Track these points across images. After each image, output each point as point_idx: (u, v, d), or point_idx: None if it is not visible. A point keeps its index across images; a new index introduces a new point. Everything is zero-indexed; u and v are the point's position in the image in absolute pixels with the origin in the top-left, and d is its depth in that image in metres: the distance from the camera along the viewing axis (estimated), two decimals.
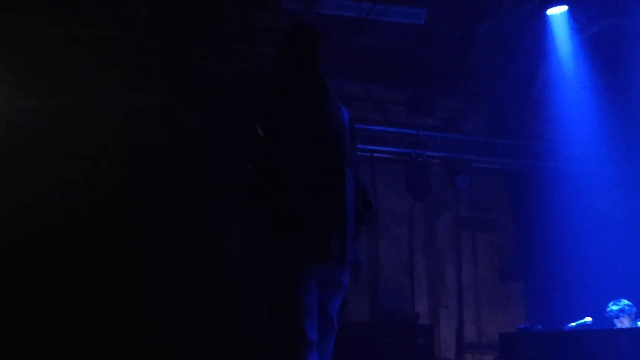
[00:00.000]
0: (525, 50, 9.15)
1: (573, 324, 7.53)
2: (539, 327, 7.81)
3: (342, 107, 3.69)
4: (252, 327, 7.76)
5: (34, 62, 7.72)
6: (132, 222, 7.87)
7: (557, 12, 8.35)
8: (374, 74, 9.67)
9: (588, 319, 7.52)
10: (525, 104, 10.22)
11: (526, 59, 9.39)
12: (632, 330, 7.29)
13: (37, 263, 7.49)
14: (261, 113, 3.44)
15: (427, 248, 10.65)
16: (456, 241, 10.78)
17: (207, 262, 8.12)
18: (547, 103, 9.69)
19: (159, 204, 7.96)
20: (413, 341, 8.81)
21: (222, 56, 8.47)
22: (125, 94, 7.91)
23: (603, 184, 9.67)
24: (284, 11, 8.10)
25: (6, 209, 7.48)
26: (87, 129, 7.85)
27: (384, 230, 10.23)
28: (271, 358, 3.35)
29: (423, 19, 8.50)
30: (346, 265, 3.50)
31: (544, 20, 8.52)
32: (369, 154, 9.60)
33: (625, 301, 7.57)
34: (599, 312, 7.65)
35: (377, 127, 9.71)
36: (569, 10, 8.27)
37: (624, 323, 7.51)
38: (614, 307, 7.54)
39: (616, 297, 7.67)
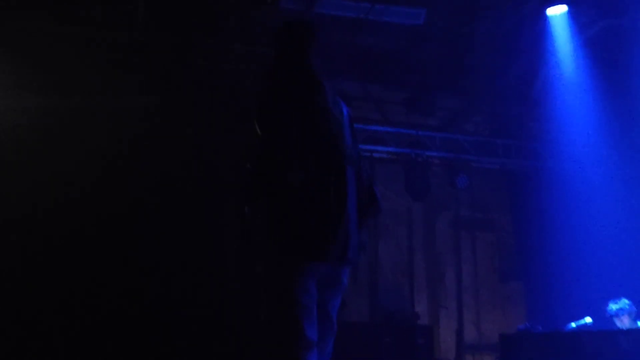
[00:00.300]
0: (524, 50, 9.14)
1: (573, 324, 7.54)
2: (539, 327, 7.80)
3: (341, 104, 3.68)
4: (252, 327, 7.74)
5: (31, 62, 7.70)
6: (131, 222, 7.86)
7: (556, 12, 8.35)
8: (374, 73, 9.66)
9: (588, 319, 7.52)
10: (524, 104, 10.21)
11: (526, 59, 9.38)
12: (632, 331, 7.29)
13: (40, 264, 7.49)
14: (259, 112, 3.43)
15: (427, 248, 10.64)
16: (456, 241, 10.77)
17: (206, 261, 8.12)
18: (547, 103, 9.68)
19: (158, 204, 7.95)
20: (413, 341, 8.79)
21: (221, 56, 8.47)
22: (124, 93, 7.90)
23: (603, 184, 9.66)
24: (283, 11, 8.09)
25: (10, 210, 7.47)
26: (86, 128, 7.84)
27: (383, 230, 10.22)
28: (271, 358, 3.34)
29: (422, 19, 8.48)
30: (347, 263, 3.48)
31: (543, 20, 8.51)
32: (368, 154, 9.58)
33: (625, 300, 7.59)
34: (599, 312, 7.66)
35: (376, 127, 9.70)
36: (568, 10, 8.26)
37: (624, 322, 7.52)
38: (614, 306, 7.57)
39: (616, 297, 7.68)
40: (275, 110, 3.39)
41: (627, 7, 8.30)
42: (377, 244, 10.22)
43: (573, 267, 9.11)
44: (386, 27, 8.65)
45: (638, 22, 8.45)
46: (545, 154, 10.24)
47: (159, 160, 8.03)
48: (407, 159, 9.79)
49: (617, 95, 9.18)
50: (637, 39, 8.59)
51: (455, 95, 10.16)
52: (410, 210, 10.46)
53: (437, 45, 9.13)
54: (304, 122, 3.39)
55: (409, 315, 9.88)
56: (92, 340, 7.40)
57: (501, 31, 8.81)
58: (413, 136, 9.83)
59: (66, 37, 7.89)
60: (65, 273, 7.54)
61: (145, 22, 8.03)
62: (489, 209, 10.85)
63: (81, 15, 7.86)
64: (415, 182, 9.70)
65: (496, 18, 8.60)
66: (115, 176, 7.84)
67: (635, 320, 7.58)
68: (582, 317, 7.56)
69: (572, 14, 8.37)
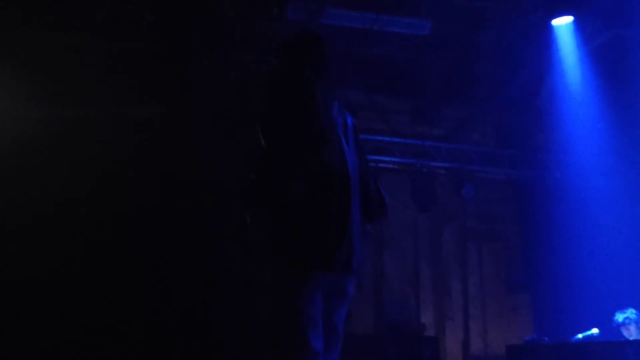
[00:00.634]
0: (530, 60, 9.14)
1: (580, 335, 7.50)
2: (546, 338, 7.77)
3: (346, 114, 3.68)
4: (256, 336, 7.72)
5: (36, 70, 7.73)
6: (133, 228, 7.88)
7: (562, 22, 8.33)
8: (379, 84, 9.67)
9: (595, 330, 7.49)
10: (530, 114, 10.20)
11: (531, 70, 9.37)
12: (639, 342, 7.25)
13: (45, 270, 7.51)
14: (263, 123, 3.44)
15: (433, 259, 10.61)
16: (462, 252, 10.74)
17: (210, 270, 8.12)
18: (553, 113, 9.66)
19: (160, 211, 7.97)
20: (418, 353, 8.76)
21: (227, 66, 8.48)
22: (128, 103, 7.92)
23: (609, 195, 9.62)
24: (288, 22, 8.11)
25: (16, 217, 7.49)
26: (89, 137, 7.87)
27: (389, 240, 10.20)
28: None
29: (427, 29, 8.49)
30: (352, 273, 3.47)
31: (549, 30, 8.50)
32: (374, 164, 9.55)
33: (632, 310, 7.57)
34: (606, 324, 7.62)
35: (381, 138, 9.69)
36: (574, 20, 8.25)
37: (631, 331, 7.50)
38: (621, 316, 7.57)
39: (623, 308, 7.65)
40: (278, 121, 3.39)
41: (633, 17, 8.29)
42: (382, 254, 10.19)
43: (580, 278, 9.07)
44: (391, 37, 8.66)
45: None
46: (551, 164, 10.22)
47: (163, 169, 8.05)
48: (413, 169, 9.77)
49: (623, 105, 9.16)
50: None
51: (461, 105, 10.16)
52: (416, 220, 10.43)
53: (442, 56, 9.14)
54: (307, 133, 3.39)
55: (414, 326, 9.85)
56: (96, 344, 7.43)
57: (506, 41, 8.81)
58: (419, 146, 9.82)
59: (70, 47, 7.92)
60: (69, 281, 7.57)
61: (150, 33, 8.05)
62: (495, 219, 10.82)
63: (86, 25, 7.87)
64: (421, 193, 9.68)
65: (501, 28, 8.61)
66: (118, 184, 7.87)
67: None
68: (589, 328, 7.53)
69: (578, 25, 8.36)
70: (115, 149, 7.94)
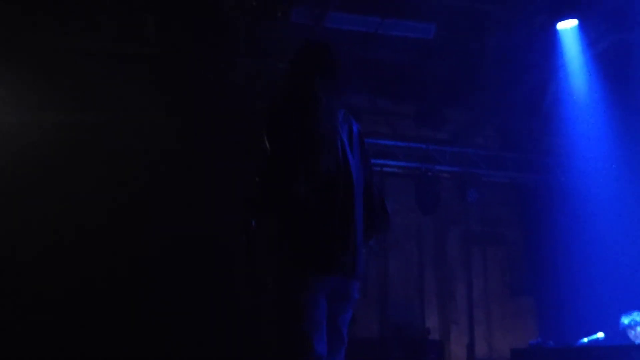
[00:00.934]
0: (535, 64, 9.13)
1: (585, 339, 7.49)
2: (551, 342, 7.75)
3: (351, 121, 3.71)
4: (260, 339, 7.73)
5: (39, 76, 7.75)
6: (142, 231, 7.91)
7: (567, 26, 8.32)
8: (383, 88, 9.67)
9: (600, 334, 7.48)
10: (535, 118, 10.20)
11: (536, 73, 9.37)
12: None
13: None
14: (269, 128, 3.47)
15: (437, 263, 10.60)
16: (466, 256, 10.73)
17: (213, 273, 8.14)
18: (557, 117, 9.65)
19: (168, 215, 7.99)
20: (423, 357, 8.77)
21: (232, 69, 8.49)
22: (132, 107, 7.93)
23: (613, 198, 9.60)
24: (293, 25, 8.12)
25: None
26: (95, 141, 7.89)
27: (393, 244, 10.19)
28: None
29: (432, 33, 8.49)
30: (355, 277, 3.49)
31: (553, 34, 8.48)
32: (378, 168, 9.56)
33: (637, 312, 7.57)
34: (611, 327, 7.61)
35: (386, 141, 9.70)
36: (579, 24, 8.24)
37: (637, 333, 7.49)
38: (626, 320, 7.57)
39: (629, 311, 7.65)
40: (284, 127, 3.43)
41: (637, 21, 8.28)
42: (387, 258, 10.19)
43: (585, 281, 9.05)
44: (396, 41, 8.66)
45: None
46: (555, 167, 10.21)
47: (169, 171, 8.06)
48: (417, 173, 9.78)
49: (628, 109, 9.15)
50: None
51: (465, 109, 10.16)
52: (420, 224, 10.43)
53: (446, 59, 9.13)
54: (311, 138, 3.42)
55: (419, 330, 9.84)
56: (100, 347, 7.47)
57: (511, 45, 8.80)
58: (423, 150, 9.82)
59: (73, 51, 7.94)
60: (84, 287, 7.61)
61: (154, 36, 8.07)
62: (499, 223, 10.81)
63: (89, 29, 7.90)
64: (425, 196, 9.68)
65: (506, 32, 8.60)
66: (124, 185, 7.88)
67: None
68: (595, 332, 7.51)
69: (583, 28, 8.35)
70: (118, 152, 7.96)
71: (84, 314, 7.62)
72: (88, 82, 7.90)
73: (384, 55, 9.08)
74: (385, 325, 9.93)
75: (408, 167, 9.85)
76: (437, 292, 10.48)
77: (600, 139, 9.44)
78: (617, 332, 7.59)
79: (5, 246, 7.45)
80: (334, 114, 3.59)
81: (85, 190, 7.76)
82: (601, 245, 9.10)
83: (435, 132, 10.05)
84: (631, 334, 7.54)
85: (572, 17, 8.13)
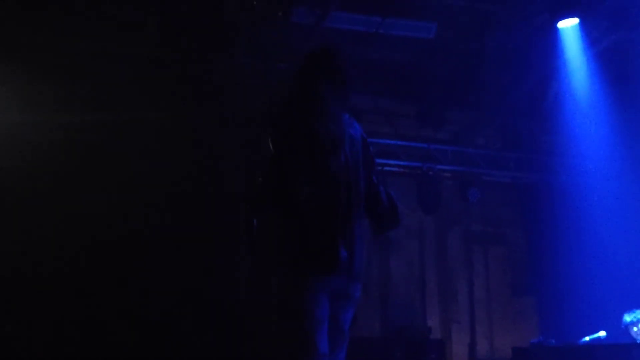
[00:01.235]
0: (536, 63, 9.14)
1: (587, 338, 7.49)
2: (553, 341, 7.75)
3: (356, 126, 3.76)
4: (261, 338, 7.74)
5: (39, 76, 7.77)
6: (142, 231, 7.92)
7: (568, 25, 8.31)
8: (384, 87, 9.67)
9: (602, 333, 7.49)
10: (536, 117, 10.20)
11: (537, 72, 9.37)
12: None
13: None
14: (273, 130, 3.53)
15: (438, 262, 10.60)
16: (467, 255, 10.73)
17: (216, 273, 8.15)
18: (558, 116, 9.65)
19: (170, 214, 8.00)
20: (425, 356, 8.75)
21: (232, 69, 8.49)
22: (134, 107, 7.94)
23: (615, 197, 9.61)
24: (293, 25, 8.12)
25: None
26: (97, 142, 7.90)
27: (394, 244, 10.19)
28: None
29: (433, 32, 8.50)
30: (355, 277, 3.51)
31: (554, 33, 8.48)
32: (379, 167, 9.51)
33: (639, 310, 7.58)
34: (613, 326, 7.62)
35: (387, 141, 9.69)
36: (579, 23, 8.24)
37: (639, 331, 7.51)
38: (628, 318, 7.58)
39: (630, 310, 7.66)
40: (288, 130, 3.49)
41: (638, 20, 8.28)
42: (388, 258, 10.19)
43: (586, 280, 9.05)
44: (397, 41, 8.66)
45: None
46: (556, 167, 10.21)
47: (170, 172, 8.07)
48: (418, 173, 9.77)
49: (629, 108, 9.15)
50: None
51: (467, 108, 10.15)
52: (422, 224, 10.43)
53: (448, 59, 9.13)
54: (315, 142, 3.47)
55: (421, 329, 9.83)
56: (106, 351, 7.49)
57: (512, 44, 8.81)
58: (424, 150, 9.82)
59: (77, 53, 7.95)
60: (84, 287, 7.64)
61: (155, 37, 8.07)
62: (500, 222, 10.81)
63: (90, 30, 7.91)
64: (426, 196, 9.68)
65: (507, 31, 8.61)
66: (126, 187, 7.89)
67: None
68: (596, 331, 7.52)
69: (584, 27, 8.34)
70: (121, 154, 7.97)
71: (84, 314, 7.61)
72: (89, 83, 7.91)
73: (385, 55, 9.08)
74: (386, 324, 9.94)
75: (409, 167, 9.84)
76: (439, 292, 10.48)
77: (601, 138, 9.45)
78: (619, 331, 7.59)
79: (5, 246, 7.45)
80: (339, 118, 3.63)
81: (86, 190, 7.76)
82: (602, 244, 9.10)
83: (437, 131, 10.06)
84: (633, 331, 7.54)
85: (573, 16, 8.12)
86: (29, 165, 7.68)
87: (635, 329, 7.52)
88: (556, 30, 8.43)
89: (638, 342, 7.46)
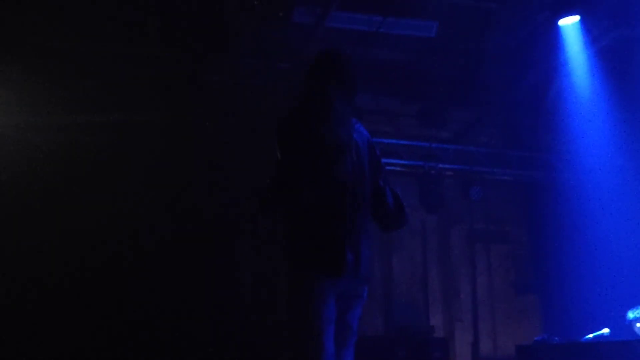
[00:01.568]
0: (537, 61, 9.14)
1: (590, 335, 7.48)
2: (556, 338, 7.75)
3: (362, 130, 3.82)
4: (268, 338, 7.75)
5: (39, 77, 7.77)
6: (142, 231, 7.93)
7: (569, 22, 8.32)
8: (386, 86, 9.66)
9: (606, 330, 7.48)
10: (538, 115, 10.19)
11: (538, 70, 9.37)
12: None
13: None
14: (280, 134, 3.56)
15: (441, 261, 10.59)
16: (470, 254, 10.72)
17: (221, 273, 8.16)
18: (560, 114, 9.64)
19: (170, 214, 8.01)
20: (428, 355, 8.75)
21: (232, 69, 8.50)
22: (134, 107, 7.95)
23: (618, 195, 9.59)
24: (294, 25, 8.12)
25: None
26: (99, 143, 7.91)
27: (397, 243, 10.19)
28: None
29: (434, 31, 8.50)
30: (362, 279, 3.57)
31: (555, 31, 8.48)
32: None
33: None
34: (616, 323, 7.61)
35: (389, 140, 9.68)
36: (581, 20, 8.24)
37: None
38: (631, 314, 7.58)
39: (634, 307, 7.66)
40: (295, 133, 3.53)
41: (639, 18, 8.28)
42: (391, 257, 10.19)
43: (589, 278, 9.04)
44: (398, 40, 8.67)
45: None
46: (559, 165, 10.20)
47: (174, 173, 8.07)
48: (421, 172, 9.78)
49: (631, 105, 9.14)
50: None
51: (468, 107, 10.15)
52: (425, 223, 10.43)
53: (449, 58, 9.14)
54: (321, 145, 3.50)
55: (424, 328, 9.82)
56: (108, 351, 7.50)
57: (513, 42, 8.81)
58: (426, 148, 9.82)
59: (77, 53, 7.96)
60: (85, 286, 7.65)
61: (156, 37, 8.07)
62: (503, 221, 10.80)
63: (91, 30, 7.91)
64: (429, 195, 9.68)
65: (508, 29, 8.61)
66: (129, 187, 7.90)
67: None
68: (600, 328, 7.51)
69: (584, 25, 8.34)
70: (123, 155, 7.98)
71: (84, 314, 7.62)
72: (89, 83, 7.92)
73: (386, 55, 9.08)
74: (389, 323, 9.93)
75: (411, 166, 9.84)
76: (442, 290, 10.47)
77: (603, 135, 9.43)
78: (623, 328, 7.58)
79: (5, 246, 7.46)
80: (346, 121, 3.68)
81: (86, 190, 7.77)
82: (605, 241, 9.08)
83: (439, 130, 10.05)
84: (637, 327, 7.54)
85: (574, 14, 8.13)
86: (29, 166, 7.68)
87: (639, 325, 7.52)
88: (557, 28, 8.44)
89: None
